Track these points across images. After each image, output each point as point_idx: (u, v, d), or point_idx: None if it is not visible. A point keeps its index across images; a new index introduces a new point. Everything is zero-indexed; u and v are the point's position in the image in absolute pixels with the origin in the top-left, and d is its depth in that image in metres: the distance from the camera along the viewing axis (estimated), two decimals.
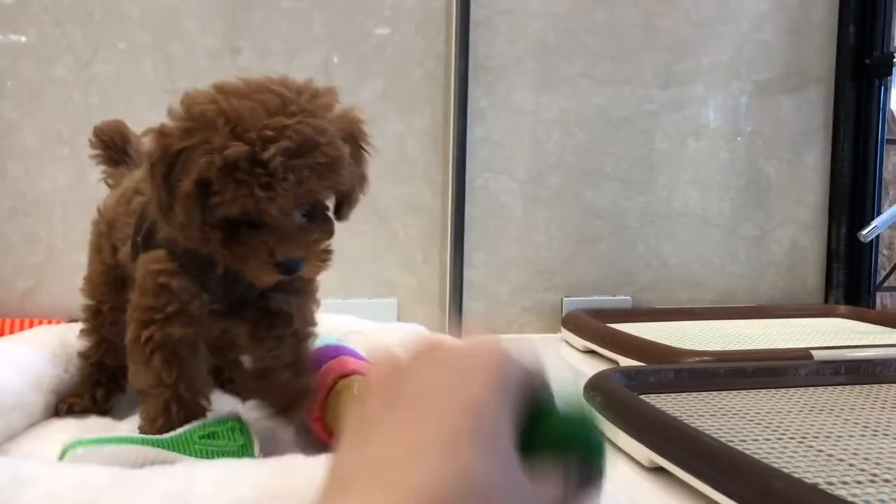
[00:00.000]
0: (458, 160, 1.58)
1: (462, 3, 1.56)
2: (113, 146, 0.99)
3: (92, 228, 0.94)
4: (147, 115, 1.42)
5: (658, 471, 0.82)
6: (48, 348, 0.90)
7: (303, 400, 0.77)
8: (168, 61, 1.46)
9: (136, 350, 0.73)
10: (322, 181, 0.63)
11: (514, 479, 0.31)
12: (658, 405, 0.91)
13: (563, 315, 1.63)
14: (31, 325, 1.28)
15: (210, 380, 0.82)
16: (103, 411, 0.89)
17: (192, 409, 0.74)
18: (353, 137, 0.69)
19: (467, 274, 1.62)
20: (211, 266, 0.70)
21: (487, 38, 1.60)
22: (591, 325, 1.49)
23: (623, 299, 1.72)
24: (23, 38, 1.40)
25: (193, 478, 0.48)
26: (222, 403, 0.88)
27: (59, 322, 1.30)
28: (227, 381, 0.98)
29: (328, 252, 0.68)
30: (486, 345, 0.37)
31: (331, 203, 0.70)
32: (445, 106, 1.59)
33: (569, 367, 1.39)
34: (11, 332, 1.27)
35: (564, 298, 1.68)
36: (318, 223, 0.68)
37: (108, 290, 0.88)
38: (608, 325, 1.47)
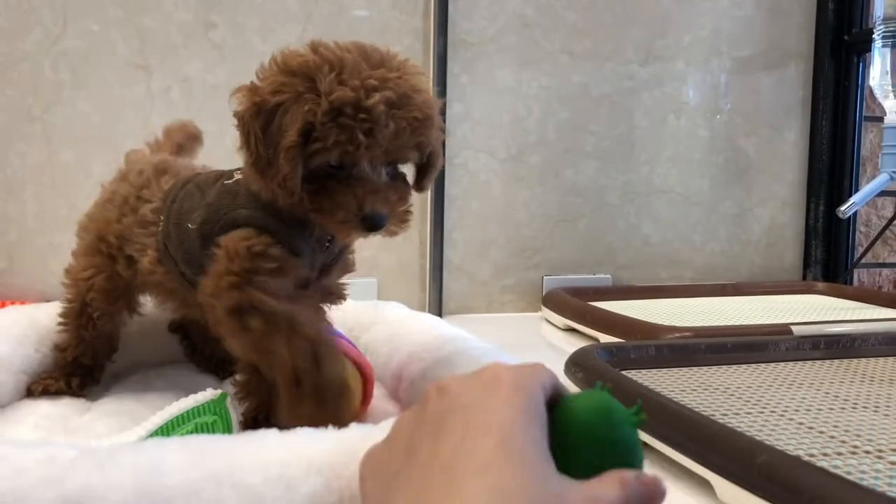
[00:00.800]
0: None
1: None
2: (186, 147, 1.00)
3: (82, 233, 0.91)
4: (119, 90, 1.41)
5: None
6: (17, 328, 0.87)
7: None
8: (140, 36, 1.43)
9: (232, 320, 0.67)
10: (414, 136, 0.65)
11: (553, 486, 0.34)
12: (640, 381, 0.91)
13: (544, 294, 1.63)
14: (2, 306, 1.25)
15: None
16: (77, 395, 0.87)
17: None
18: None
19: (447, 253, 1.61)
20: (302, 232, 0.71)
21: (467, 12, 1.58)
22: (572, 303, 1.49)
23: (604, 277, 1.72)
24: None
25: (164, 451, 0.46)
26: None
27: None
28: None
29: (408, 213, 0.69)
30: (505, 371, 0.40)
31: (408, 171, 0.72)
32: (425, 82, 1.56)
33: (549, 345, 1.39)
34: None
35: (545, 277, 1.68)
36: (400, 183, 0.69)
37: (107, 298, 0.86)
38: (588, 303, 1.47)
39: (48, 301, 1.17)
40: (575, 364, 0.97)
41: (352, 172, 0.65)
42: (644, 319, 1.29)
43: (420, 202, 1.59)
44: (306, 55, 0.65)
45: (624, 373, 0.95)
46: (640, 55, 1.71)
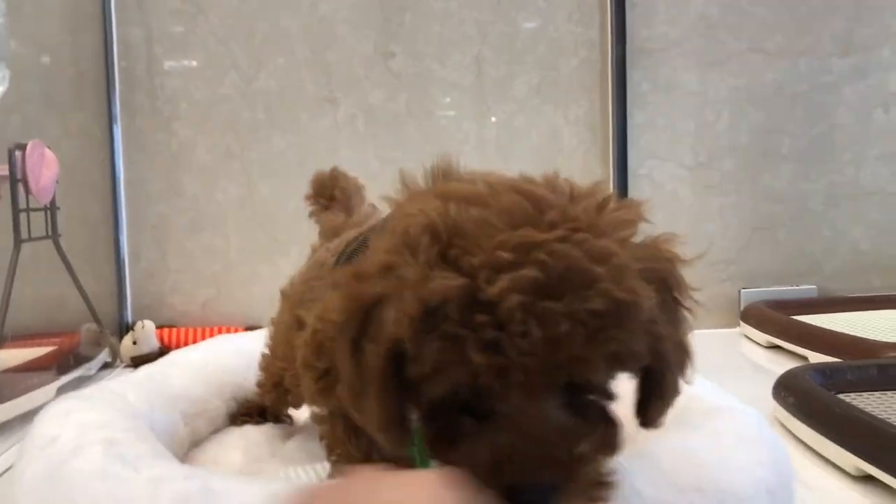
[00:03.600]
0: (619, 149, 1.51)
1: None
2: (321, 192, 0.95)
3: (284, 304, 0.79)
4: (309, 123, 1.48)
5: (867, 480, 0.73)
6: (227, 357, 0.92)
7: None
8: (326, 71, 1.50)
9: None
10: (597, 344, 0.37)
11: None
12: (861, 406, 0.82)
13: (742, 308, 1.53)
14: (212, 333, 1.34)
15: None
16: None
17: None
18: (664, 282, 0.42)
19: None
20: None
21: (646, 19, 1.52)
22: (774, 317, 1.38)
23: (808, 289, 1.59)
24: (193, 63, 1.48)
25: None
26: None
27: (237, 330, 1.35)
28: None
29: (604, 482, 0.39)
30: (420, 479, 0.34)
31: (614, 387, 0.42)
32: (603, 93, 1.52)
33: (752, 364, 1.30)
34: (195, 340, 1.33)
35: (742, 290, 1.57)
36: (592, 422, 0.40)
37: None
38: (793, 317, 1.36)
39: (251, 327, 1.24)
40: (784, 387, 0.89)
41: (492, 405, 0.38)
42: (859, 335, 1.17)
43: None
44: (413, 213, 0.40)
45: (841, 396, 0.86)
46: (838, 47, 1.57)
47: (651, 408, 0.44)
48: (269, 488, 0.46)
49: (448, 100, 1.52)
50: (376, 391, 0.39)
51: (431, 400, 0.39)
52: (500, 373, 0.36)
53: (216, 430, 0.85)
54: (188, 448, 0.79)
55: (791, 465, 0.57)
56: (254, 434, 0.84)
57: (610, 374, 0.40)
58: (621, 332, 0.37)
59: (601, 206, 0.40)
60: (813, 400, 0.83)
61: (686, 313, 0.44)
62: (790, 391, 0.87)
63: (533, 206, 0.38)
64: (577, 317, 0.36)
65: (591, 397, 0.40)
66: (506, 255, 0.36)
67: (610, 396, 0.40)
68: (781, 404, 0.87)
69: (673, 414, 0.64)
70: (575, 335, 0.36)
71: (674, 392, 0.43)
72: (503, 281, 0.35)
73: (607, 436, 0.40)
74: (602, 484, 0.39)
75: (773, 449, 0.57)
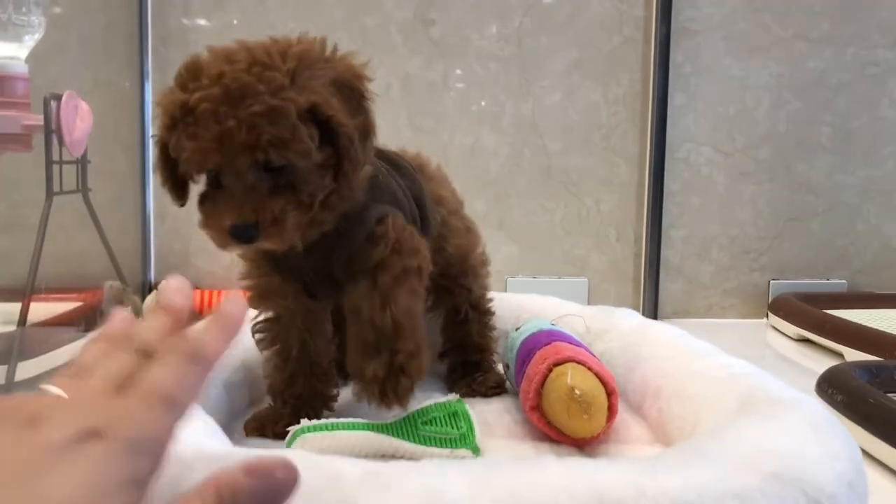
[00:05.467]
0: (658, 130, 1.48)
1: None
2: None
3: None
4: None
5: None
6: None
7: None
8: (362, 35, 1.46)
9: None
10: (256, 133, 0.55)
11: None
12: None
13: (771, 299, 1.51)
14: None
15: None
16: None
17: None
18: (349, 85, 0.61)
19: (664, 253, 1.53)
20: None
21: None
22: (805, 310, 1.36)
23: (838, 283, 1.57)
24: (229, 20, 1.44)
25: (446, 476, 0.44)
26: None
27: None
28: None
29: (282, 217, 0.58)
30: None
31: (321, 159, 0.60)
32: (644, 73, 1.49)
33: (779, 356, 1.28)
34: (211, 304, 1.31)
35: (772, 281, 1.55)
36: (282, 184, 0.58)
37: None
38: (824, 311, 1.34)
39: None
40: (830, 384, 0.87)
41: (221, 179, 0.59)
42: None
43: (636, 198, 1.52)
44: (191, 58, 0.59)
45: (892, 395, 0.85)
46: (887, 38, 1.54)
47: (343, 167, 0.60)
48: (333, 467, 0.44)
49: (485, 71, 1.48)
50: (159, 168, 0.61)
51: (199, 176, 0.61)
52: (203, 154, 0.56)
53: (254, 402, 0.83)
54: (227, 420, 0.76)
55: (863, 461, 0.56)
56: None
57: (282, 155, 0.57)
58: (274, 126, 0.55)
59: (289, 46, 0.58)
60: (864, 399, 0.81)
61: (365, 102, 0.63)
62: (837, 388, 0.85)
63: (235, 51, 0.57)
64: (240, 116, 0.54)
65: (282, 169, 0.58)
66: (205, 81, 0.55)
67: (305, 162, 0.58)
68: (828, 402, 0.85)
69: (739, 403, 0.63)
70: (240, 128, 0.55)
71: (356, 157, 0.60)
72: (197, 95, 0.55)
73: (293, 194, 0.59)
74: (280, 218, 0.58)
75: (846, 443, 0.56)
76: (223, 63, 0.56)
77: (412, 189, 0.77)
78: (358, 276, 0.66)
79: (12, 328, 0.97)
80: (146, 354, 0.36)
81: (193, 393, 0.35)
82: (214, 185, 0.60)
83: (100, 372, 0.34)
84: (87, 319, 1.14)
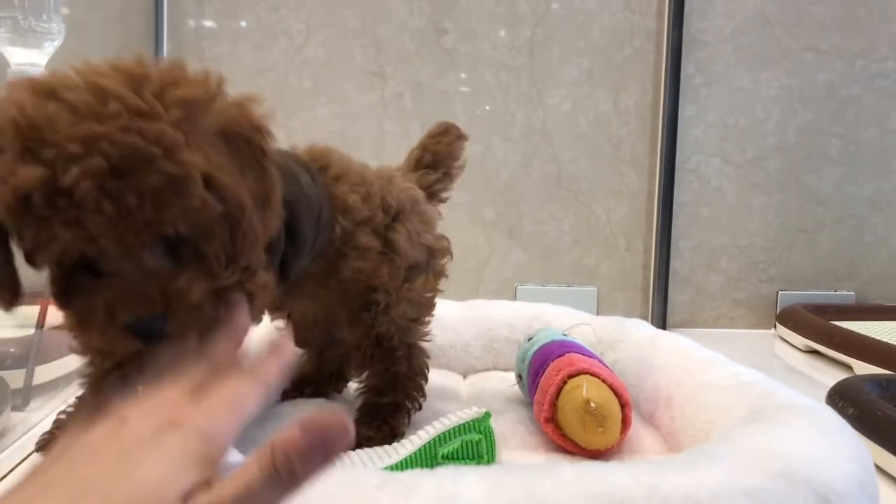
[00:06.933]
0: (668, 141, 1.49)
1: None
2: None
3: None
4: (355, 96, 1.46)
5: None
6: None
7: None
8: (376, 44, 1.47)
9: None
10: (163, 209, 0.43)
11: None
12: None
13: (779, 310, 1.51)
14: None
15: None
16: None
17: None
18: (242, 138, 0.49)
19: (674, 263, 1.53)
20: None
21: (703, 9, 1.50)
22: (814, 322, 1.37)
23: (846, 294, 1.57)
24: (243, 26, 1.46)
25: (461, 480, 0.45)
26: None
27: None
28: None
29: (198, 305, 0.46)
30: None
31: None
32: (655, 83, 1.50)
33: (787, 367, 1.29)
34: None
35: (780, 292, 1.56)
36: (186, 261, 0.46)
37: None
38: (832, 322, 1.35)
39: None
40: (841, 397, 0.88)
41: (102, 263, 0.45)
42: None
43: (646, 208, 1.53)
44: (4, 106, 0.43)
45: None
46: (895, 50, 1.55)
47: (237, 245, 0.48)
48: (350, 476, 0.45)
49: (497, 80, 1.49)
50: None
51: (51, 264, 0.45)
52: (88, 242, 0.42)
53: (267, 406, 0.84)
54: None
55: (873, 463, 0.56)
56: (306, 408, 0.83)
57: (188, 228, 0.45)
58: (180, 198, 0.43)
59: (164, 88, 0.45)
60: (876, 413, 0.82)
61: (265, 164, 0.50)
62: (849, 402, 0.86)
63: (97, 98, 0.42)
64: (140, 190, 0.41)
65: (183, 244, 0.46)
66: (74, 148, 0.40)
67: (207, 238, 0.46)
68: (839, 414, 0.85)
69: (750, 410, 0.64)
70: (144, 205, 0.42)
71: (253, 234, 0.49)
72: (74, 171, 0.40)
73: (205, 269, 0.47)
74: (198, 306, 0.46)
75: (856, 445, 0.57)
76: (87, 117, 0.42)
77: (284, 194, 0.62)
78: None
79: (29, 331, 0.98)
80: (214, 372, 0.40)
81: (255, 404, 0.38)
82: (74, 273, 0.45)
83: (175, 381, 0.39)
84: None
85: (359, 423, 0.75)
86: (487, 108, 1.50)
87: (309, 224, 0.66)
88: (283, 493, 0.33)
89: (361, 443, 0.71)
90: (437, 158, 0.88)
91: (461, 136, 0.90)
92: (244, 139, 0.49)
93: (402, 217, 0.77)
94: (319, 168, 0.70)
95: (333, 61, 1.46)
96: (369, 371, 0.78)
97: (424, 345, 0.81)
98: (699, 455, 0.51)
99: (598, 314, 1.42)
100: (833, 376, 1.18)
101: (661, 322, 1.51)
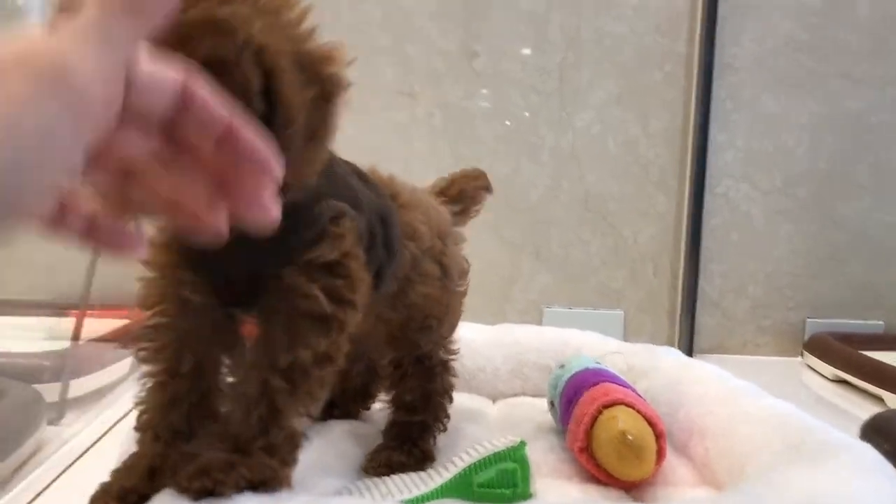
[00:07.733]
0: (698, 165, 1.49)
1: None
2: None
3: None
4: (384, 115, 1.47)
5: None
6: None
7: None
8: (404, 63, 1.48)
9: None
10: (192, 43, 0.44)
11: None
12: None
13: (806, 338, 1.50)
14: None
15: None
16: None
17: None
18: (313, 70, 0.50)
19: (702, 287, 1.53)
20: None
21: (734, 35, 1.50)
22: (842, 351, 1.36)
23: (875, 324, 1.56)
24: None
25: None
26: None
27: None
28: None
29: None
30: None
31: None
32: (686, 108, 1.50)
33: (815, 397, 1.28)
34: None
35: (807, 319, 1.55)
36: None
37: None
38: (860, 351, 1.34)
39: None
40: (878, 433, 0.87)
41: None
42: None
43: (674, 232, 1.52)
44: None
45: None
46: None
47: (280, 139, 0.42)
48: None
49: (526, 103, 1.50)
50: None
51: None
52: None
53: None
54: None
55: None
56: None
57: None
58: (220, 45, 0.43)
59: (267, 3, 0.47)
60: None
61: (335, 108, 0.50)
62: (883, 437, 0.85)
63: None
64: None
65: None
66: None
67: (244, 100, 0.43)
68: (876, 448, 0.84)
69: (786, 445, 0.64)
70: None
71: (291, 142, 0.46)
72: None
73: None
74: None
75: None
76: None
77: (378, 205, 0.65)
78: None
79: (64, 344, 0.99)
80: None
81: None
82: None
83: None
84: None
85: (390, 447, 0.75)
86: (516, 129, 1.51)
87: (399, 244, 0.67)
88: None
89: (394, 468, 0.71)
90: (462, 195, 0.88)
91: (488, 188, 0.92)
92: (317, 74, 0.50)
93: (447, 241, 0.78)
94: (390, 195, 0.71)
95: (362, 80, 1.47)
96: (404, 388, 0.77)
97: (453, 365, 0.81)
98: (743, 497, 0.51)
99: (624, 338, 1.42)
100: (863, 408, 1.17)
101: (688, 347, 1.50)
